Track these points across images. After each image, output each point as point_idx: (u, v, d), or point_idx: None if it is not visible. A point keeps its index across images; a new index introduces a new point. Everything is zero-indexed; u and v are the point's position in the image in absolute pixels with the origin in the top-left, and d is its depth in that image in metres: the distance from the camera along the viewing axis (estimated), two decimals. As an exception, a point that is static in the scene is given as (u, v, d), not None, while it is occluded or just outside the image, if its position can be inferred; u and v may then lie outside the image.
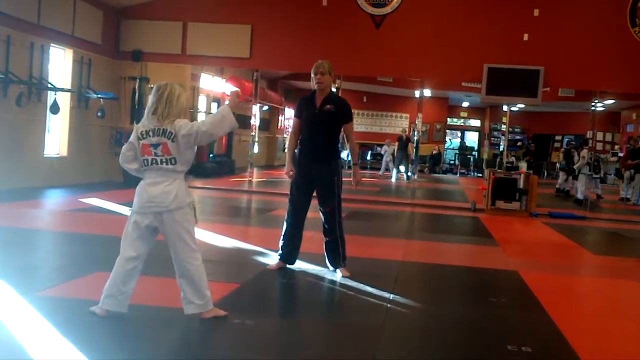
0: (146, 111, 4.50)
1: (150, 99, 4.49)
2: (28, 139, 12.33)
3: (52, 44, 12.78)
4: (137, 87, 14.70)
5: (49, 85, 12.51)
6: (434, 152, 29.11)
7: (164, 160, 4.40)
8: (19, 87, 11.74)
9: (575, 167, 17.74)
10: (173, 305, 4.65)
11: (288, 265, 6.42)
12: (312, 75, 6.21)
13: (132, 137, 4.52)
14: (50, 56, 12.80)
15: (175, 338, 4.38)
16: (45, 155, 13.03)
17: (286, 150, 6.65)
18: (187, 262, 4.48)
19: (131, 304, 4.69)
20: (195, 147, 4.59)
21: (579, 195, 16.79)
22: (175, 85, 4.56)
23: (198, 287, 4.51)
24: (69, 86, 13.31)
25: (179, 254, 4.49)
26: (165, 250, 4.57)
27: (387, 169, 24.05)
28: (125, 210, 10.21)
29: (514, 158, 18.08)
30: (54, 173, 13.16)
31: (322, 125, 6.20)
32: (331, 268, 6.35)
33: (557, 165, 22.57)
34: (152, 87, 4.78)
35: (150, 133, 4.41)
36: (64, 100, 13.27)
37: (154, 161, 4.41)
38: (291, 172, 6.28)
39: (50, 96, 12.66)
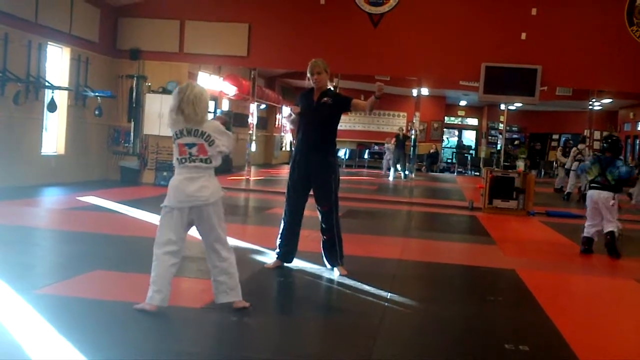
0: (172, 112, 4.62)
1: (173, 101, 4.60)
2: (25, 137, 12.32)
3: (49, 42, 12.76)
4: (134, 85, 14.68)
5: (47, 84, 12.49)
6: (432, 150, 29.11)
7: (200, 159, 4.60)
8: (17, 85, 11.73)
9: (566, 166, 17.82)
10: (168, 303, 4.65)
11: (285, 264, 6.43)
12: (309, 75, 6.24)
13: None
14: (48, 54, 12.78)
15: (172, 335, 4.39)
16: (42, 154, 13.02)
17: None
18: (222, 253, 4.68)
19: (126, 301, 4.71)
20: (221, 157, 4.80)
21: (568, 189, 17.22)
22: (196, 85, 4.71)
23: (234, 277, 4.70)
24: (66, 84, 13.29)
25: (215, 245, 4.67)
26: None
27: (389, 168, 24.03)
28: (121, 208, 10.21)
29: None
30: (52, 171, 13.15)
31: (320, 118, 6.21)
32: (329, 266, 6.35)
33: (555, 163, 22.60)
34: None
35: (185, 132, 4.60)
36: (62, 99, 13.25)
37: (190, 159, 4.60)
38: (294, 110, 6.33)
39: (48, 94, 12.64)
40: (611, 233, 8.30)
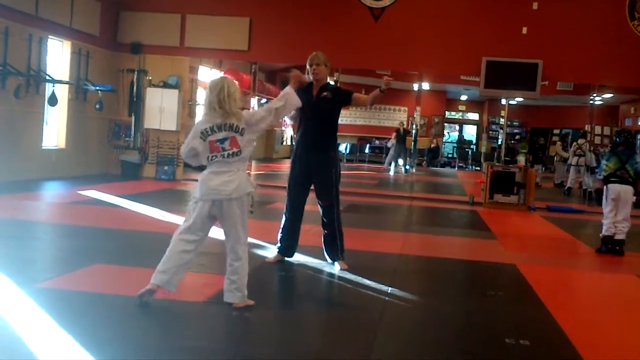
0: (207, 108, 4.65)
1: (208, 96, 4.63)
2: (26, 131, 12.31)
3: (50, 36, 12.74)
4: (135, 79, 14.66)
5: (47, 77, 12.48)
6: (432, 145, 29.08)
7: (230, 153, 4.61)
8: (17, 79, 11.72)
9: (568, 161, 17.82)
10: (168, 296, 4.65)
11: (286, 258, 6.43)
12: (308, 66, 6.24)
13: (191, 139, 4.67)
14: (49, 48, 12.76)
15: (173, 329, 4.39)
16: (43, 148, 13.01)
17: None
18: (238, 252, 4.68)
19: (126, 295, 4.71)
20: (256, 142, 4.83)
21: (568, 184, 17.26)
22: (229, 79, 4.75)
23: (243, 278, 4.70)
24: (67, 78, 13.28)
25: (232, 242, 4.68)
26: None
27: (390, 163, 23.96)
28: (122, 202, 10.22)
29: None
30: (52, 165, 13.14)
31: (320, 113, 6.20)
32: (329, 261, 6.36)
33: (555, 158, 22.55)
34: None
35: (216, 129, 4.61)
36: (62, 93, 13.23)
37: (221, 155, 4.62)
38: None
39: (49, 88, 12.63)
40: (621, 243, 8.24)
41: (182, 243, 4.62)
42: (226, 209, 4.61)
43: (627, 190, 8.26)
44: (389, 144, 24.46)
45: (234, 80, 4.81)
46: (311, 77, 6.25)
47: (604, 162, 8.70)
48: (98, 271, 5.70)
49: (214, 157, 4.62)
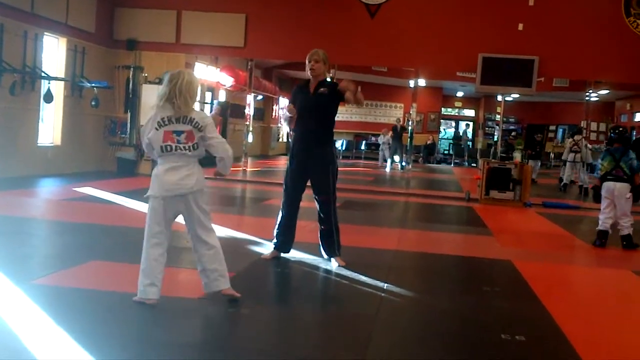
0: (160, 100, 4.58)
1: (163, 88, 4.58)
2: (22, 128, 12.29)
3: (45, 33, 12.71)
4: (131, 76, 14.64)
5: (43, 74, 12.46)
6: (428, 142, 29.12)
7: (186, 147, 4.54)
8: (13, 76, 11.69)
9: (562, 157, 17.86)
10: (163, 293, 4.65)
11: (282, 254, 6.43)
12: (307, 62, 6.25)
13: (147, 131, 4.60)
14: (44, 45, 12.73)
15: (169, 325, 4.38)
16: (39, 144, 12.99)
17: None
18: (209, 241, 4.65)
19: (122, 292, 4.71)
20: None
21: (564, 180, 17.28)
22: (187, 73, 4.68)
23: (224, 263, 4.68)
24: (62, 75, 13.25)
25: (200, 234, 4.64)
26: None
27: (385, 159, 24.02)
28: (117, 199, 10.21)
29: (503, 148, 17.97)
30: (48, 162, 13.12)
31: (317, 110, 6.20)
32: (326, 257, 6.36)
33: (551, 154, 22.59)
34: (160, 77, 4.82)
35: (173, 120, 4.53)
36: (58, 89, 13.20)
37: (177, 147, 4.54)
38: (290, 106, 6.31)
39: (44, 85, 12.61)
40: (628, 237, 8.35)
41: (155, 248, 4.57)
42: (193, 202, 4.58)
43: (621, 187, 8.34)
44: (380, 140, 24.42)
45: (192, 73, 4.75)
46: (309, 73, 6.25)
47: (599, 161, 8.78)
48: (94, 268, 5.70)
49: (168, 147, 4.52)
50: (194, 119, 4.55)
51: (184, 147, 4.54)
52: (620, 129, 8.94)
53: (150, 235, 4.59)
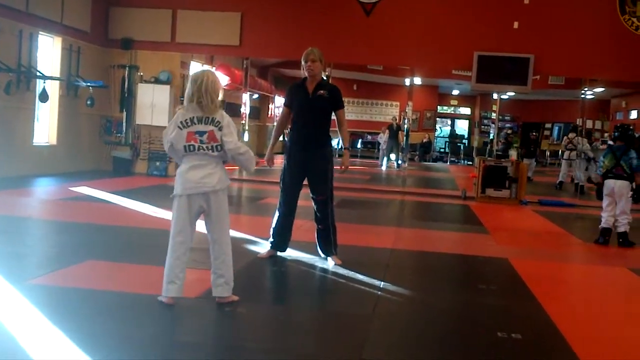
0: (186, 100, 4.63)
1: (189, 89, 4.60)
2: (17, 127, 12.26)
3: (40, 32, 12.68)
4: (126, 75, 14.61)
5: (38, 74, 12.42)
6: (424, 140, 29.12)
7: (209, 147, 4.57)
8: (8, 76, 11.66)
9: (559, 155, 17.93)
10: (158, 292, 4.64)
11: (279, 253, 6.44)
12: (303, 62, 6.21)
13: (170, 131, 4.62)
14: (39, 44, 12.70)
15: (166, 324, 4.39)
16: (34, 144, 12.96)
17: (271, 139, 6.70)
18: (226, 244, 4.70)
19: (119, 291, 4.70)
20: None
21: (560, 178, 17.38)
22: (210, 73, 4.71)
23: (230, 268, 4.71)
24: (58, 74, 13.22)
25: (220, 235, 4.69)
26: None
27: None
28: (113, 198, 10.19)
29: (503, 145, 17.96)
30: (43, 161, 13.09)
31: (315, 111, 6.20)
32: (323, 256, 6.37)
33: (547, 152, 22.61)
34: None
35: (195, 120, 4.57)
36: (53, 89, 13.18)
37: (199, 147, 4.57)
38: (270, 162, 6.36)
39: (39, 84, 12.57)
40: (624, 235, 8.39)
41: (178, 246, 4.59)
42: (213, 201, 4.61)
43: (621, 185, 8.39)
44: (380, 139, 24.44)
45: (216, 74, 4.77)
46: (306, 73, 6.23)
47: (601, 159, 8.81)
48: (90, 267, 5.69)
49: (191, 147, 4.56)
50: (215, 118, 4.59)
51: (207, 147, 4.57)
52: (624, 126, 8.99)
53: (175, 234, 4.62)
